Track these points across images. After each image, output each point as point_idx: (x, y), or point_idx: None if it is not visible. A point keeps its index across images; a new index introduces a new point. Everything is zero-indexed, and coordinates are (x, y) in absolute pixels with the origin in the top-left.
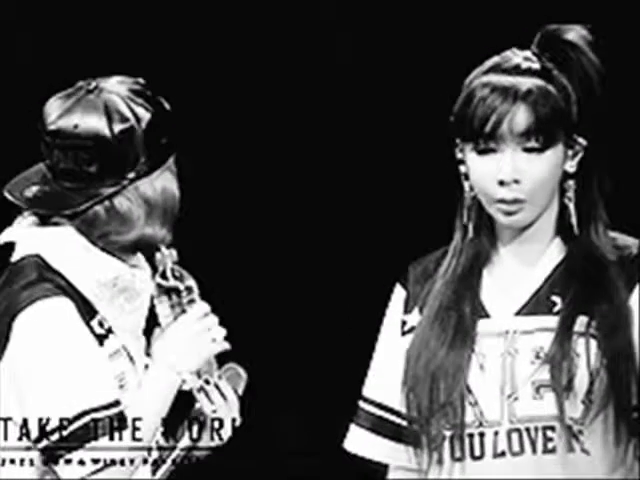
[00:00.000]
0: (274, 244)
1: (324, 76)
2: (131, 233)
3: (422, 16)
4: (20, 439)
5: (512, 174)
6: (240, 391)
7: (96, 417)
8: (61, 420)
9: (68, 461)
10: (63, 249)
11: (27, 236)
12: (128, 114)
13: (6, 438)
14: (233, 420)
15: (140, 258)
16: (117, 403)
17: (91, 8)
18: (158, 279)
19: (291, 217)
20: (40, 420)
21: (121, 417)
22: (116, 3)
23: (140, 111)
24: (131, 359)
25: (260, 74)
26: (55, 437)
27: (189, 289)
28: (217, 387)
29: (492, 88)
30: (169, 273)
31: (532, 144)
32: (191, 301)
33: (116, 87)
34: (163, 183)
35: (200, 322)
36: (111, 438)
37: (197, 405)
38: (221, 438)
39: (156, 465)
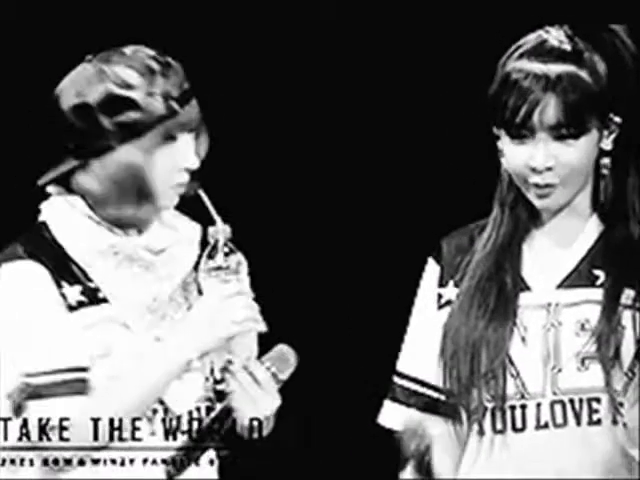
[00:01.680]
0: (284, 241)
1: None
2: (107, 210)
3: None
4: (20, 439)
5: (545, 162)
6: (283, 377)
7: (48, 380)
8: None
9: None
10: (65, 217)
11: (44, 205)
12: (86, 91)
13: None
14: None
15: (172, 230)
16: (78, 369)
17: None
18: (206, 255)
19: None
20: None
21: (79, 383)
22: None
23: (98, 88)
24: (127, 328)
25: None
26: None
27: (234, 266)
28: (248, 369)
29: (525, 75)
30: (218, 250)
31: (564, 133)
32: (227, 281)
33: (90, 64)
34: (128, 159)
35: (223, 302)
36: (66, 402)
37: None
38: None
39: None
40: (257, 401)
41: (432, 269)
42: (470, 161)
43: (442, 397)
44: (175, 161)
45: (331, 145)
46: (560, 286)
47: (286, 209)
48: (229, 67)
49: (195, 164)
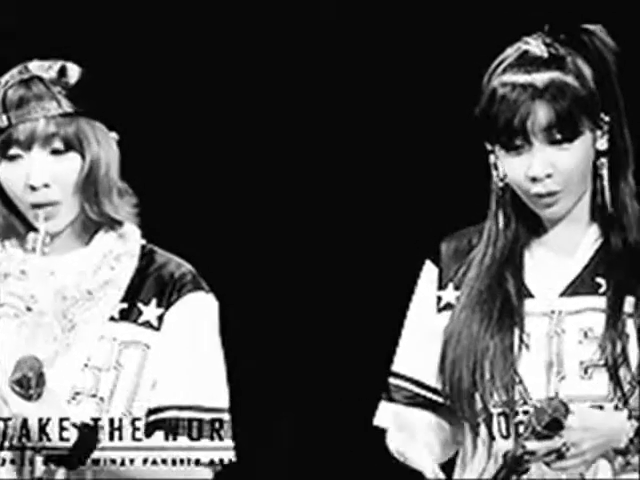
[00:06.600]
0: (274, 243)
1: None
2: None
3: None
4: (20, 440)
5: (543, 170)
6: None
7: None
8: None
9: None
10: None
11: None
12: None
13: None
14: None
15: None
16: None
17: None
18: None
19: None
20: None
21: None
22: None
23: None
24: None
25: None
26: None
27: None
28: None
29: (511, 88)
30: None
31: (558, 138)
32: None
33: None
34: None
35: None
36: None
37: None
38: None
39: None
40: None
41: (430, 271)
42: (468, 162)
43: (440, 399)
44: (19, 179)
45: (331, 145)
46: (563, 294)
47: (288, 207)
48: (226, 67)
49: (36, 182)
